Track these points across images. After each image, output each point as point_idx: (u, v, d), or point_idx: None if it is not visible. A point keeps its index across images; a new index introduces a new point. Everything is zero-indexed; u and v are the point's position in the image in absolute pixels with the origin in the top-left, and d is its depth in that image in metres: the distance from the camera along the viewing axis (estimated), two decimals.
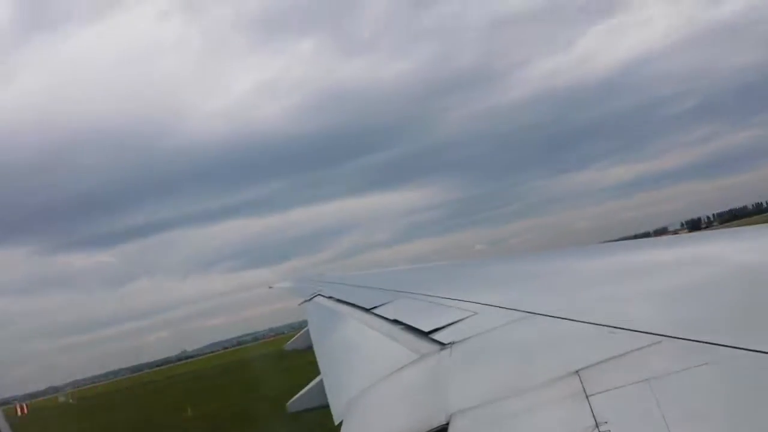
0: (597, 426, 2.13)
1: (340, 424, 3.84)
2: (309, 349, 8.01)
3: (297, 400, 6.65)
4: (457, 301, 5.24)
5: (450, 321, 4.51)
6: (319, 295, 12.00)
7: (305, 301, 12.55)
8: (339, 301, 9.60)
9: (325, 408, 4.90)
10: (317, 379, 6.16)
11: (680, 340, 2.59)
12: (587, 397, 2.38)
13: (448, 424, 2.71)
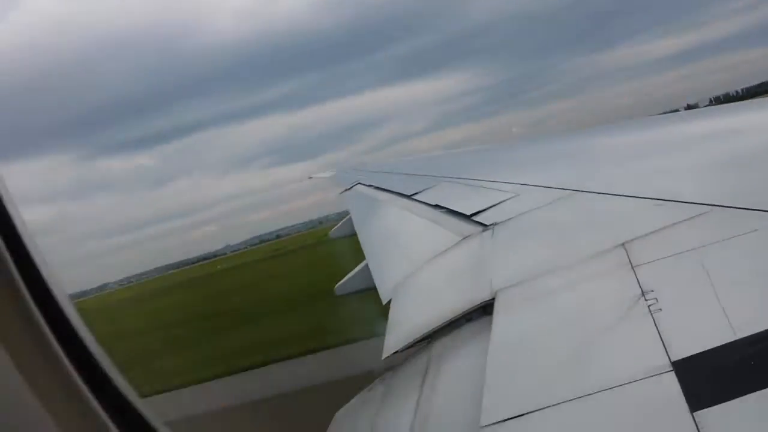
0: (644, 295, 2.15)
1: (388, 303, 3.98)
2: (353, 236, 8.18)
3: (344, 284, 6.87)
4: (498, 183, 5.22)
5: (492, 203, 4.51)
6: (359, 183, 12.08)
7: (346, 189, 12.67)
8: (380, 188, 9.65)
9: (372, 290, 5.06)
10: (363, 264, 6.33)
11: (728, 208, 2.55)
12: (633, 268, 2.40)
13: (493, 299, 2.78)
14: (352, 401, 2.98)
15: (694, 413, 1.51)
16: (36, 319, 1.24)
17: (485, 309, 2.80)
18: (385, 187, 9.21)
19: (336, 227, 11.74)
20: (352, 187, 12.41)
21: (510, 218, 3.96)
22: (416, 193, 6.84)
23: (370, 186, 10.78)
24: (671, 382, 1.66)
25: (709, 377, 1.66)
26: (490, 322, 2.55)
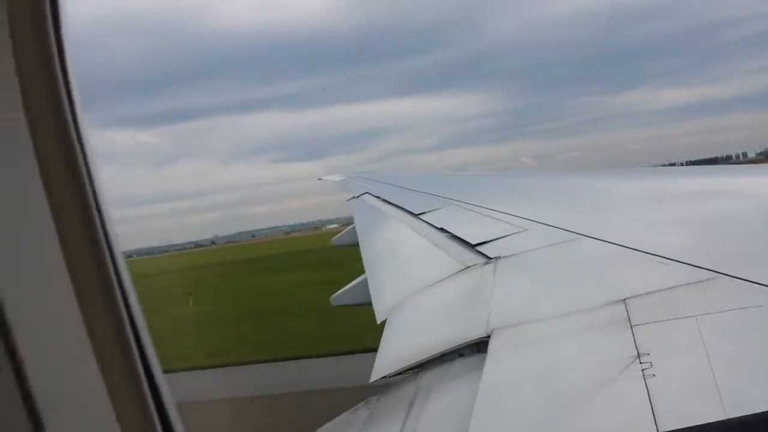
0: (639, 357, 2.13)
1: (383, 322, 3.97)
2: (354, 246, 8.18)
3: (341, 295, 6.86)
4: (506, 214, 5.21)
5: (497, 235, 4.50)
6: (367, 193, 12.08)
7: (354, 197, 12.67)
8: (387, 202, 9.64)
9: (367, 305, 5.06)
10: (362, 277, 6.32)
11: (735, 279, 2.53)
12: (631, 326, 2.38)
13: (488, 337, 2.77)
14: (334, 421, 2.96)
15: None
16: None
17: (479, 346, 2.79)
18: (393, 202, 9.20)
19: (339, 236, 11.73)
20: (360, 195, 12.42)
21: (514, 254, 3.95)
22: (423, 213, 6.83)
23: (378, 198, 10.78)
24: None
25: None
26: (483, 360, 2.54)
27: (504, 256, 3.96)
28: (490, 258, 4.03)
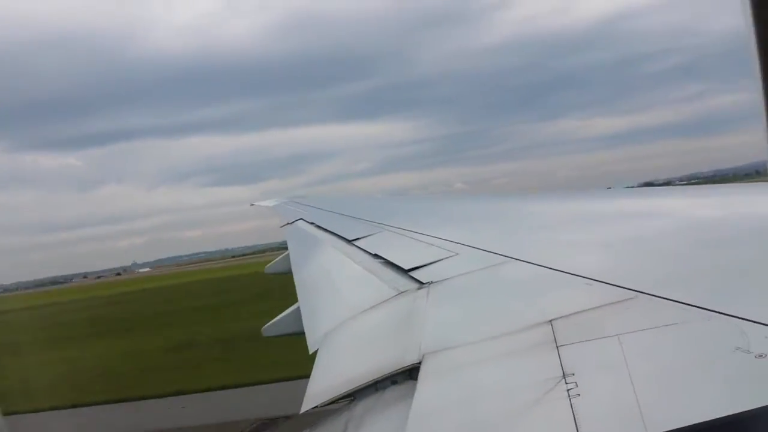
0: (564, 377, 2.17)
1: (315, 352, 3.91)
2: (289, 273, 8.08)
3: (273, 325, 6.73)
4: (438, 239, 5.27)
5: (430, 260, 4.54)
6: (301, 219, 11.99)
7: (288, 223, 12.55)
8: (321, 228, 9.60)
9: (300, 335, 4.98)
10: (294, 306, 6.23)
11: (654, 297, 2.63)
12: (557, 347, 2.43)
13: (420, 363, 2.76)
14: None
15: None
16: None
17: (411, 372, 2.78)
18: (327, 228, 9.17)
19: (273, 263, 11.56)
20: (294, 222, 12.31)
21: (446, 279, 3.99)
22: (357, 239, 6.83)
23: (311, 224, 10.72)
24: None
25: None
26: (414, 387, 2.53)
27: (436, 281, 3.99)
28: (423, 283, 4.05)
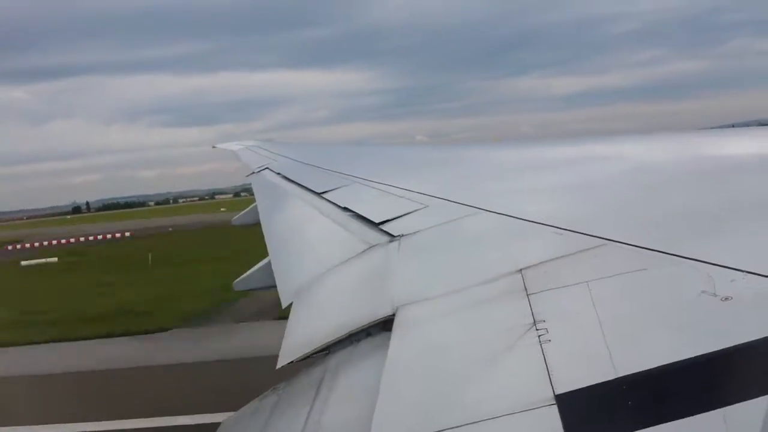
0: (535, 324, 2.22)
1: (288, 306, 3.93)
2: (257, 225, 8.05)
3: (244, 280, 6.73)
4: (407, 191, 5.27)
5: (400, 213, 4.55)
6: (267, 168, 11.84)
7: (253, 173, 12.40)
8: (288, 179, 9.52)
9: (272, 288, 4.99)
10: (265, 261, 6.22)
11: (622, 244, 2.68)
12: (528, 296, 2.47)
13: (393, 315, 2.79)
14: (241, 410, 2.91)
15: None
16: None
17: (385, 324, 2.81)
18: (295, 180, 9.09)
19: (240, 215, 11.46)
20: (260, 170, 12.15)
21: (416, 231, 4.01)
22: (326, 192, 6.79)
23: (278, 174, 10.60)
24: (553, 415, 1.72)
25: (590, 414, 1.74)
26: (389, 339, 2.56)
27: (407, 234, 4.01)
28: (394, 236, 4.06)
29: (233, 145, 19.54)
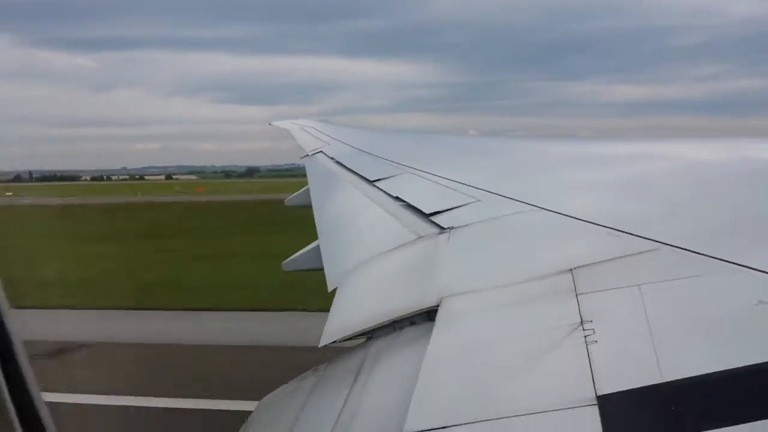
0: (582, 324, 2.20)
1: (333, 290, 3.98)
2: (308, 207, 8.17)
3: (293, 261, 6.84)
4: (460, 184, 5.25)
5: (451, 205, 4.53)
6: (321, 152, 11.94)
7: (307, 155, 12.52)
8: (341, 165, 9.59)
9: (319, 271, 5.06)
10: (314, 243, 6.30)
11: (677, 249, 2.62)
12: (577, 295, 2.44)
13: (438, 306, 2.80)
14: (279, 389, 2.97)
15: None
16: None
17: (429, 314, 2.82)
18: (348, 166, 9.15)
19: (293, 196, 11.60)
20: (314, 153, 12.26)
21: (467, 225, 3.99)
22: (378, 180, 6.83)
23: (332, 159, 10.68)
24: (593, 415, 1.70)
25: (631, 417, 1.71)
26: (432, 329, 2.57)
27: (457, 227, 4.00)
28: (444, 228, 4.06)
29: (288, 124, 19.67)
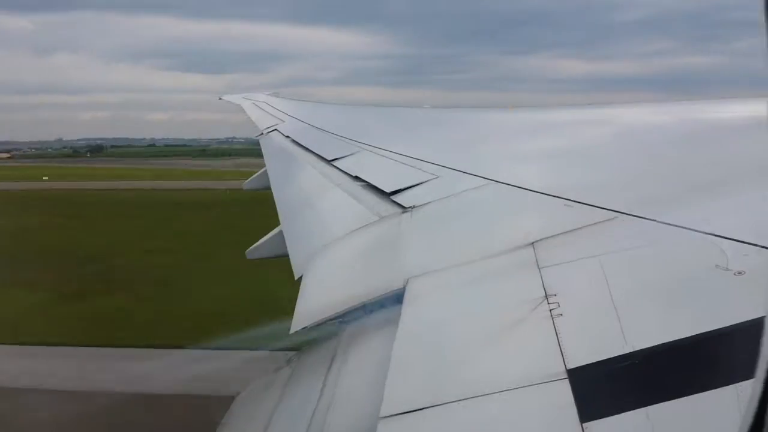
0: (547, 298, 2.23)
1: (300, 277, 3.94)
2: (267, 189, 8.04)
3: (257, 248, 6.73)
4: (418, 161, 5.23)
5: (411, 183, 4.52)
6: (276, 130, 11.69)
7: (262, 134, 12.27)
8: (298, 144, 9.43)
9: (284, 257, 5.00)
10: (276, 230, 6.22)
11: (634, 217, 2.66)
12: (539, 269, 2.47)
13: (405, 286, 2.81)
14: (256, 383, 2.95)
15: (584, 424, 1.59)
16: None
17: (397, 295, 2.82)
18: (304, 145, 8.99)
19: (251, 179, 11.37)
20: (269, 131, 12.00)
21: (427, 203, 3.99)
22: (336, 159, 6.75)
23: (288, 138, 10.47)
24: (565, 389, 1.74)
25: (602, 389, 1.75)
26: (400, 311, 2.58)
27: (418, 205, 4.00)
28: (405, 207, 4.05)
29: (240, 98, 19.06)
